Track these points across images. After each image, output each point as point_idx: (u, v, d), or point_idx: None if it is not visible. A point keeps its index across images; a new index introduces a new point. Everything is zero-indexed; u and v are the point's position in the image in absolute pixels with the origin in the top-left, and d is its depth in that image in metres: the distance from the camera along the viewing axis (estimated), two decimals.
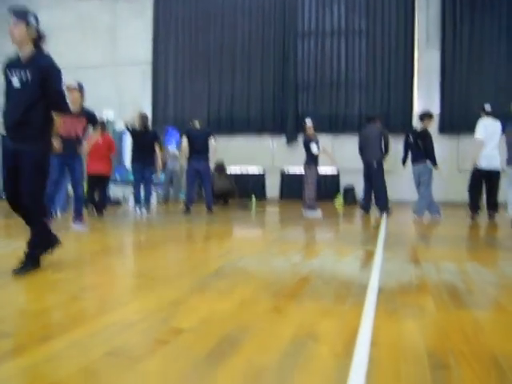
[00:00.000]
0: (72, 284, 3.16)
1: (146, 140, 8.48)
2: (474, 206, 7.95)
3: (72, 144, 5.93)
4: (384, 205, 8.72)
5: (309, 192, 8.72)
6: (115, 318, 2.34)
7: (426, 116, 8.25)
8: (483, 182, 7.87)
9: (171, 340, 2.02)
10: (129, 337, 2.07)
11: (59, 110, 3.53)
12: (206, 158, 8.90)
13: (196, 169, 8.86)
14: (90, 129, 6.39)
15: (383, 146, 8.80)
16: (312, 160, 8.74)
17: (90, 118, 6.35)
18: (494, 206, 7.91)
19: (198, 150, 8.82)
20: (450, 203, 10.47)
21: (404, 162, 8.53)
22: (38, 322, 2.31)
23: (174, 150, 11.86)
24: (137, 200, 8.55)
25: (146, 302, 2.68)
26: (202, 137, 8.90)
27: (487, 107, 7.87)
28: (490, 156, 7.65)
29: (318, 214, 8.58)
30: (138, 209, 8.47)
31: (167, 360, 1.81)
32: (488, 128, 7.69)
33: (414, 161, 8.20)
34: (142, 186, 8.56)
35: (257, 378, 1.65)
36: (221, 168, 11.28)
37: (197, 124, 9.09)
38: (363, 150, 8.96)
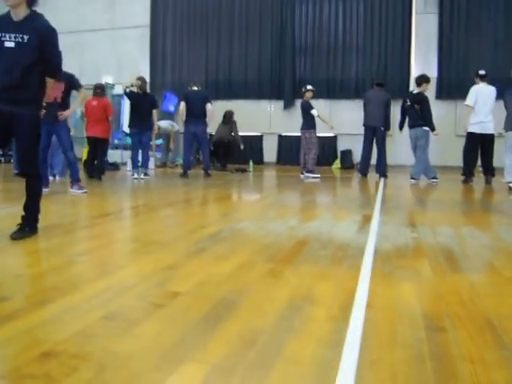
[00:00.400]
0: (69, 248, 3.16)
1: (143, 104, 8.39)
2: (467, 170, 7.98)
3: (54, 109, 5.85)
4: (384, 170, 8.77)
5: (312, 156, 8.82)
6: (111, 282, 2.34)
7: (422, 80, 8.19)
8: (478, 147, 7.87)
9: (167, 303, 2.02)
10: (125, 300, 2.07)
11: (54, 73, 3.45)
12: (204, 122, 8.82)
13: (193, 132, 8.80)
14: (75, 93, 6.33)
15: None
16: (312, 124, 8.78)
17: (70, 82, 6.24)
18: (489, 170, 7.94)
19: (196, 113, 8.74)
20: (448, 168, 10.45)
21: (401, 126, 8.49)
22: (35, 286, 2.32)
23: (167, 125, 11.73)
24: (134, 164, 8.53)
25: (142, 265, 2.68)
26: (199, 100, 8.80)
27: (481, 72, 7.83)
28: (484, 121, 7.64)
29: (317, 176, 8.72)
30: (135, 173, 8.44)
31: (163, 323, 1.81)
32: (481, 94, 7.67)
33: (411, 125, 8.18)
34: (139, 151, 8.51)
35: (253, 341, 1.65)
36: (227, 116, 11.15)
37: (195, 87, 8.99)
38: (369, 114, 8.87)
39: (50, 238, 3.38)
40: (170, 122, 11.98)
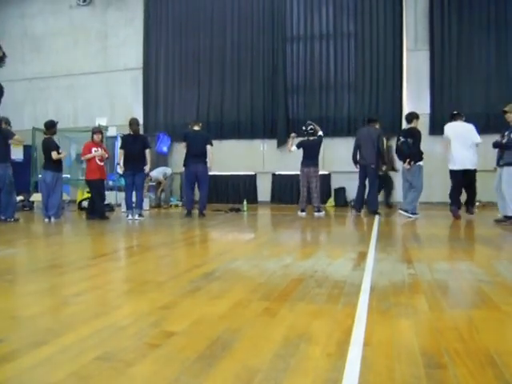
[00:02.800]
0: (64, 289, 3.13)
1: (136, 146, 8.45)
2: (453, 200, 8.11)
3: None
4: (375, 209, 8.87)
5: (319, 195, 9.16)
6: (106, 322, 2.31)
7: (413, 116, 8.42)
8: (459, 182, 8.07)
9: (162, 343, 1.99)
10: (120, 341, 2.04)
11: None
12: (204, 162, 8.88)
13: (194, 172, 8.87)
14: None
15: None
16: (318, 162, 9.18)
17: None
18: (471, 203, 8.24)
19: (196, 153, 8.82)
20: (442, 203, 10.50)
21: (404, 161, 8.46)
22: (29, 328, 2.28)
23: (159, 174, 11.92)
24: (129, 206, 8.53)
25: (137, 305, 2.65)
26: (200, 141, 8.90)
27: (454, 112, 8.24)
28: (461, 157, 7.87)
29: (323, 214, 9.15)
30: (130, 214, 8.44)
31: (158, 363, 1.78)
32: (451, 131, 7.97)
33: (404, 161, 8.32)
34: (133, 192, 8.54)
35: (249, 381, 1.62)
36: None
37: (196, 127, 9.09)
38: (361, 153, 9.01)
39: (45, 279, 3.35)
40: (164, 169, 12.11)
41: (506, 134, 7.20)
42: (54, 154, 8.11)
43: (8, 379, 1.65)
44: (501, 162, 7.25)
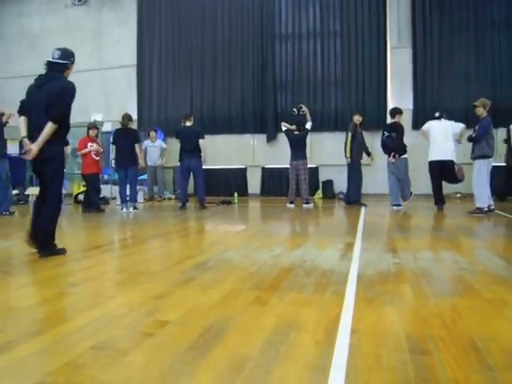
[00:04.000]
0: (60, 280, 3.17)
1: (126, 140, 8.53)
2: (436, 197, 8.28)
3: None
4: (357, 200, 9.08)
5: (307, 187, 9.27)
6: (101, 312, 2.35)
7: (396, 111, 8.57)
8: (437, 174, 8.20)
9: (156, 332, 2.04)
10: (114, 330, 2.08)
11: None
12: (198, 156, 9.00)
13: (187, 166, 9.00)
14: None
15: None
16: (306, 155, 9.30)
17: None
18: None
19: (189, 149, 8.95)
20: (426, 195, 10.62)
21: (389, 154, 8.53)
22: (26, 318, 2.31)
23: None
24: (123, 199, 8.61)
25: (131, 296, 2.70)
26: (192, 136, 8.99)
27: (436, 114, 8.40)
28: (439, 149, 8.04)
29: (311, 205, 9.26)
30: (124, 207, 8.52)
31: (152, 352, 1.83)
32: (431, 128, 8.18)
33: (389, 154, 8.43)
34: (127, 185, 8.62)
35: (240, 368, 1.68)
36: None
37: (188, 123, 9.16)
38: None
39: (41, 270, 3.38)
40: (160, 143, 12.12)
41: (476, 128, 7.40)
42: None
43: (4, 369, 1.68)
44: (471, 156, 7.43)
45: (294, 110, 9.48)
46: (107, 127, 12.49)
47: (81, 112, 14.44)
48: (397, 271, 3.27)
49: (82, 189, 10.14)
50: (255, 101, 13.32)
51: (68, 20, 15.02)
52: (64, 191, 11.80)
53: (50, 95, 3.94)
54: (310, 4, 13.00)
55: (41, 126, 3.85)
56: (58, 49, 4.21)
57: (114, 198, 10.96)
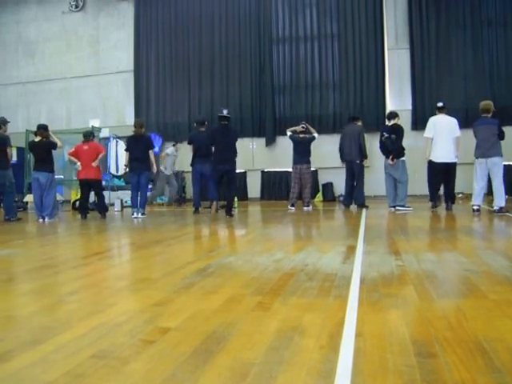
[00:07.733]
0: (59, 288, 3.14)
1: (138, 147, 8.64)
2: (432, 198, 8.28)
3: None
4: (362, 203, 9.09)
5: (310, 190, 9.38)
6: (102, 320, 2.32)
7: (393, 115, 8.57)
8: (439, 175, 8.17)
9: (157, 340, 2.01)
10: (115, 338, 2.05)
11: None
12: (211, 161, 9.04)
13: (200, 171, 9.15)
14: None
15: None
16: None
17: None
18: (450, 197, 8.27)
19: (202, 153, 9.08)
20: (424, 196, 10.61)
21: (387, 155, 8.52)
22: (25, 327, 2.28)
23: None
24: (134, 204, 8.80)
25: (132, 303, 2.67)
26: (205, 141, 9.07)
27: (439, 104, 8.28)
28: (444, 150, 7.96)
29: (311, 208, 9.39)
30: (134, 212, 8.70)
31: (154, 360, 1.80)
32: (437, 124, 8.03)
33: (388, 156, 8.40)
34: (138, 192, 8.81)
35: (244, 374, 1.65)
36: None
37: (202, 129, 9.25)
38: (346, 149, 9.20)
39: (40, 278, 3.35)
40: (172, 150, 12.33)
41: (496, 125, 7.44)
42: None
43: (4, 379, 1.65)
44: (487, 154, 7.42)
45: (303, 125, 9.52)
46: (105, 133, 12.54)
47: (78, 118, 14.66)
48: (400, 273, 3.24)
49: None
50: (253, 104, 13.39)
51: (65, 26, 15.13)
52: (62, 198, 11.85)
53: None
54: (307, 7, 13.11)
55: None
56: None
57: (113, 204, 10.98)
